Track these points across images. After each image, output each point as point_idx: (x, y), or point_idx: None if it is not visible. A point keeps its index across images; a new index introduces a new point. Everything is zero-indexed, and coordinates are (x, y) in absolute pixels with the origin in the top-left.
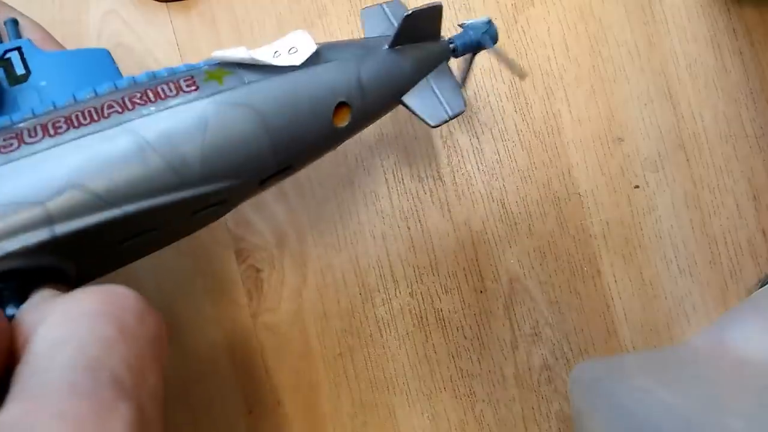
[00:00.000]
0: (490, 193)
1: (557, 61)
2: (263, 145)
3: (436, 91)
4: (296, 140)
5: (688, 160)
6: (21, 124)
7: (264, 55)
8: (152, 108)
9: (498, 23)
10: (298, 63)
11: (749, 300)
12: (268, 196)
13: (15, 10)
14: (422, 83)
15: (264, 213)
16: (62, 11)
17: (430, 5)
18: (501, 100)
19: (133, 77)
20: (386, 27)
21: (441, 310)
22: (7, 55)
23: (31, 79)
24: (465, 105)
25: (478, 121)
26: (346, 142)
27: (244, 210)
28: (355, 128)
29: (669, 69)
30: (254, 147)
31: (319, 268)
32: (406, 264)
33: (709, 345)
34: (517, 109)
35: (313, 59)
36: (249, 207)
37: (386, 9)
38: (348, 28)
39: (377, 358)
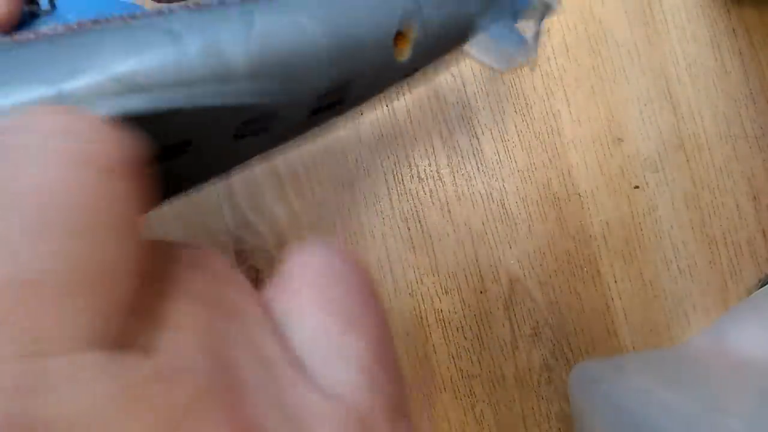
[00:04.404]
0: (490, 194)
1: (557, 61)
2: (318, 46)
3: (500, 30)
4: (354, 53)
5: (688, 160)
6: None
7: None
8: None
9: None
10: None
11: (749, 300)
12: (268, 196)
13: None
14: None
15: (264, 214)
16: None
17: None
18: (501, 101)
19: None
20: None
21: (441, 311)
22: None
23: (56, 13)
24: (536, 52)
25: (478, 121)
26: (345, 141)
27: (243, 211)
28: (415, 62)
29: (669, 69)
30: (307, 47)
31: None
32: (406, 265)
33: (709, 345)
34: (517, 110)
35: None
36: (249, 208)
37: None
38: None
39: None
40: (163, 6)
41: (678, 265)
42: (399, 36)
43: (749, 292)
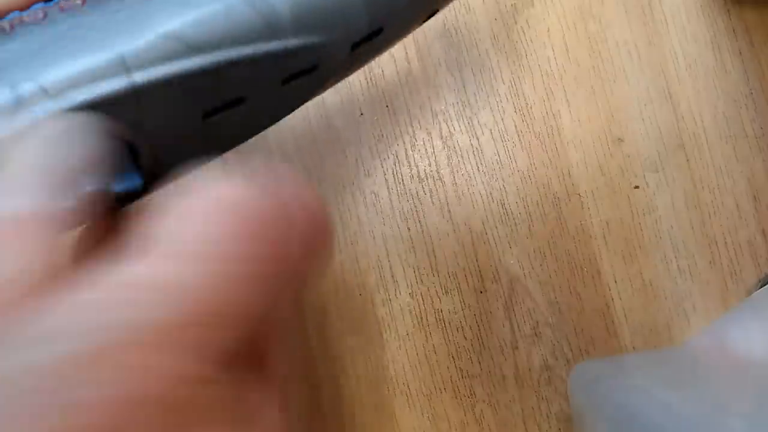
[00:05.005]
0: (490, 194)
1: (557, 61)
2: None
3: None
4: None
5: (688, 160)
6: None
7: None
8: None
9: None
10: None
11: (749, 300)
12: None
13: None
14: None
15: None
16: None
17: None
18: (501, 101)
19: None
20: None
21: (441, 311)
22: None
23: None
24: None
25: (478, 121)
26: (345, 141)
27: None
28: None
29: (669, 69)
30: None
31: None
32: (406, 264)
33: (709, 345)
34: (517, 110)
35: None
36: None
37: None
38: None
39: (377, 359)
40: None
41: (678, 265)
42: None
43: (749, 292)
